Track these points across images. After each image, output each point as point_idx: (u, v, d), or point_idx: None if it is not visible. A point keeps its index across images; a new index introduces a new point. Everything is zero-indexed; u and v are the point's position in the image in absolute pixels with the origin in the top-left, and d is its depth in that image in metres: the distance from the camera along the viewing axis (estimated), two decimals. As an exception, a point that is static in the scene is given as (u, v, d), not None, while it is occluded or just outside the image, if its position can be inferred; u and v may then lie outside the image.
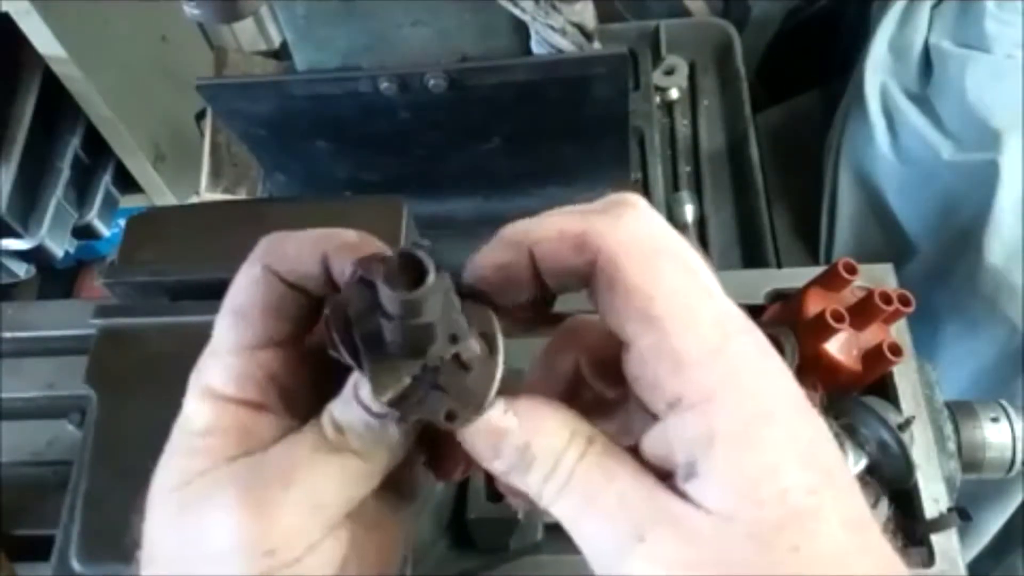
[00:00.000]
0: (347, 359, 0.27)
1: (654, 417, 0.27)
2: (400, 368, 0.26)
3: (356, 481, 0.29)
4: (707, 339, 0.26)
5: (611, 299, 0.27)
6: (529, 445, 0.27)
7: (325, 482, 0.28)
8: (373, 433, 0.28)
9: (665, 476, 0.26)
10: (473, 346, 0.27)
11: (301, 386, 0.30)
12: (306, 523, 0.27)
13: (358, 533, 0.29)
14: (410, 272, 0.24)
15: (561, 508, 0.27)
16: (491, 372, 0.27)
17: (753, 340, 0.27)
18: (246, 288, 0.29)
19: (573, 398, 0.32)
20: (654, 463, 0.27)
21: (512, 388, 0.28)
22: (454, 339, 0.27)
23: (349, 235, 0.29)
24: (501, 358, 0.28)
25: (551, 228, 0.28)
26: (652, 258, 0.26)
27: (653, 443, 0.27)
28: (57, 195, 1.18)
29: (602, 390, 0.32)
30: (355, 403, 0.28)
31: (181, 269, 0.59)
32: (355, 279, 0.27)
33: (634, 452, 0.27)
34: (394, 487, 0.31)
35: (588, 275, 0.27)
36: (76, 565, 0.52)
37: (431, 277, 0.24)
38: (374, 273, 0.26)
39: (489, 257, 0.29)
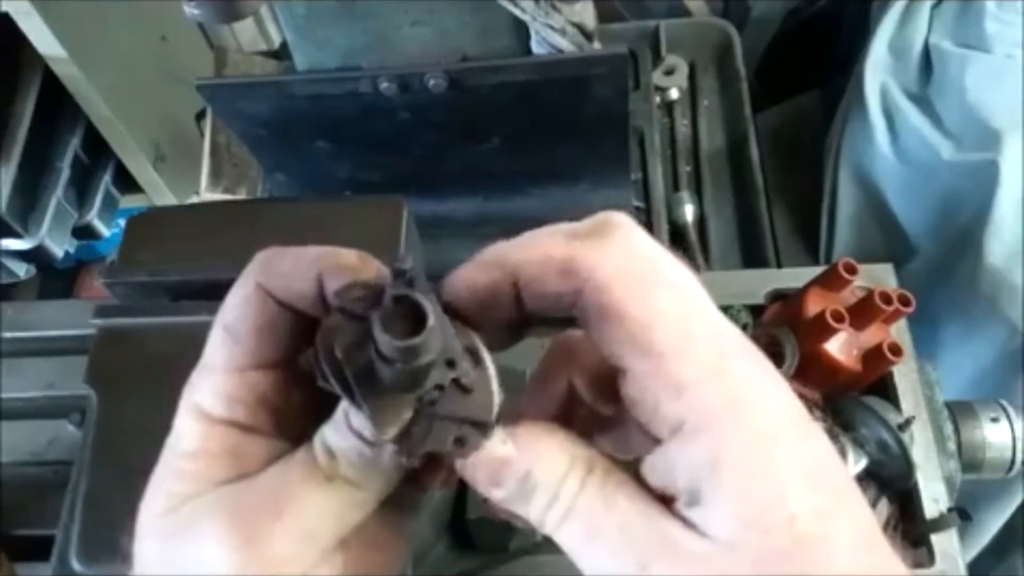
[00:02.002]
0: (340, 392, 0.26)
1: (655, 440, 0.26)
2: (400, 401, 0.25)
3: (350, 509, 0.28)
4: (706, 361, 0.25)
5: (603, 326, 0.26)
6: (530, 474, 0.26)
7: (317, 511, 0.27)
8: (366, 460, 0.27)
9: (667, 500, 0.26)
10: (469, 368, 0.26)
11: (292, 407, 0.29)
12: (298, 553, 0.27)
13: (357, 553, 0.29)
14: (407, 316, 0.23)
15: (563, 537, 0.26)
16: (488, 388, 0.26)
17: (751, 358, 0.26)
18: (238, 306, 0.28)
19: (569, 415, 0.31)
20: (656, 487, 0.26)
21: (509, 412, 0.27)
22: (451, 364, 0.25)
23: (348, 256, 0.28)
24: (492, 370, 0.27)
25: (536, 251, 0.27)
26: (643, 283, 0.26)
27: (654, 467, 0.26)
28: (57, 195, 1.18)
29: (599, 408, 0.31)
30: (347, 430, 0.27)
31: (181, 269, 0.59)
32: (337, 308, 0.26)
33: (633, 469, 0.27)
34: (395, 504, 0.30)
35: (573, 302, 0.26)
36: (76, 565, 0.51)
37: (431, 321, 0.23)
38: (355, 305, 0.25)
39: (469, 277, 0.28)
